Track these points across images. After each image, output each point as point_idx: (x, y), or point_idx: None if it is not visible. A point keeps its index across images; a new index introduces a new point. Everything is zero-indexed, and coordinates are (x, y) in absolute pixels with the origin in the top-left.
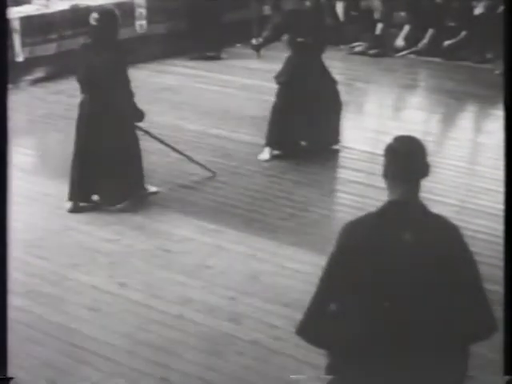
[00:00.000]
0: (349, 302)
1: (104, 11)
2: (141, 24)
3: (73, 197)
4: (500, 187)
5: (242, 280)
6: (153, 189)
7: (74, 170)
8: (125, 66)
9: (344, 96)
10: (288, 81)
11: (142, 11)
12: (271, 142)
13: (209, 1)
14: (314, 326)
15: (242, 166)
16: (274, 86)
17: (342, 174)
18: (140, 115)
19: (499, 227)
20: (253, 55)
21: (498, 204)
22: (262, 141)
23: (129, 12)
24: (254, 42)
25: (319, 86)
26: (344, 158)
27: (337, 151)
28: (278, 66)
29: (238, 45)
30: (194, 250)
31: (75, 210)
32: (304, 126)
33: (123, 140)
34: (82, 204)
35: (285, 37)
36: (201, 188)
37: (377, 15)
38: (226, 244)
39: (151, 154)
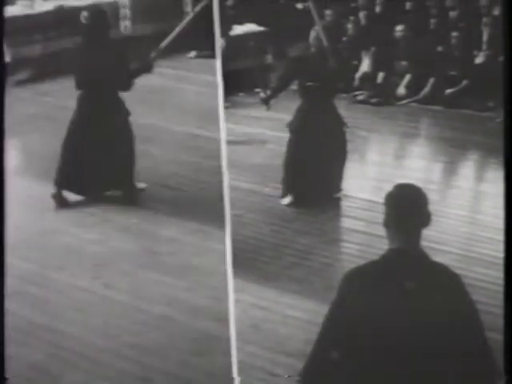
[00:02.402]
0: (350, 350)
1: (94, 10)
2: (125, 25)
3: (59, 184)
4: (501, 236)
5: (243, 328)
6: (141, 185)
7: (63, 158)
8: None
9: None
10: (298, 128)
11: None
12: (289, 190)
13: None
14: (316, 373)
15: (245, 214)
16: (277, 135)
17: (344, 222)
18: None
19: (499, 275)
20: (255, 104)
21: (498, 252)
22: (265, 188)
23: (113, 12)
24: (261, 95)
25: (328, 133)
26: (346, 206)
27: (339, 199)
28: (280, 115)
29: (241, 94)
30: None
31: (60, 203)
32: (308, 174)
33: (116, 134)
34: (67, 199)
35: (292, 86)
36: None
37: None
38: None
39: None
